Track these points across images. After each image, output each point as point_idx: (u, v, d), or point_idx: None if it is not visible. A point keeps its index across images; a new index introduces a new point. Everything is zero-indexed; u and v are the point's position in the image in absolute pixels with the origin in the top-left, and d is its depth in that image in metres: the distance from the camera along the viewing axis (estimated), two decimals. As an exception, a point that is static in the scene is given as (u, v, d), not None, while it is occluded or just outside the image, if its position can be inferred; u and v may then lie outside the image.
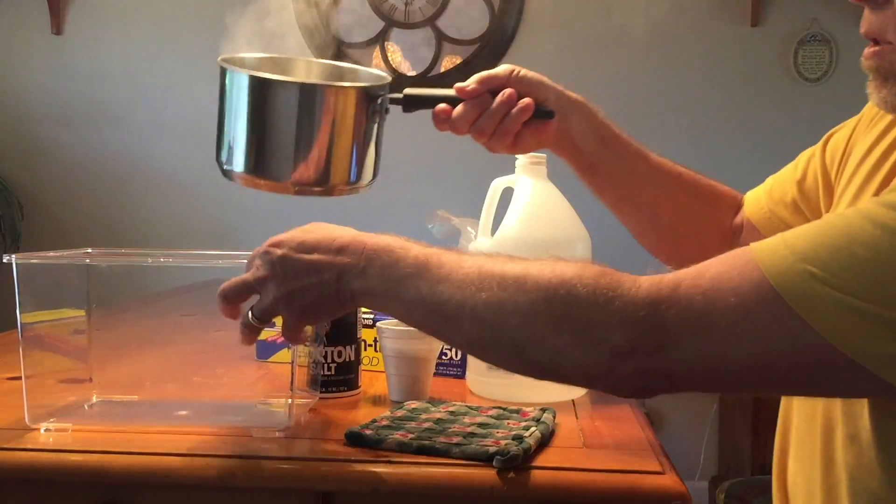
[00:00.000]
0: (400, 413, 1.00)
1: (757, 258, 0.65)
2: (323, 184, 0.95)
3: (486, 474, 0.82)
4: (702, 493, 2.86)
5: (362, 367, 1.17)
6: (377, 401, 1.12)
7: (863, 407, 0.74)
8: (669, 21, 3.05)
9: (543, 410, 0.99)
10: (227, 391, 1.09)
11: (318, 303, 0.82)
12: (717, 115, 3.06)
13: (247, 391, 1.11)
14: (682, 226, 1.09)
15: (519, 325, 0.72)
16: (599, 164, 1.04)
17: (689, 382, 0.70)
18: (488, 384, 1.14)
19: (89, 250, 1.07)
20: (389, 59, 3.15)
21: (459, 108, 0.97)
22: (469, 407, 1.04)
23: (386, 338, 1.11)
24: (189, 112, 3.09)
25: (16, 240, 3.09)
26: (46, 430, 0.93)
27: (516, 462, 0.82)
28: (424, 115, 1.00)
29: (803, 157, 1.01)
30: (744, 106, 3.05)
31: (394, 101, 0.99)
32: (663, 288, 0.67)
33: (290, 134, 0.95)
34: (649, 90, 3.06)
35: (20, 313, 0.95)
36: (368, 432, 0.90)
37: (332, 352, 1.11)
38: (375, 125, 0.98)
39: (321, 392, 1.10)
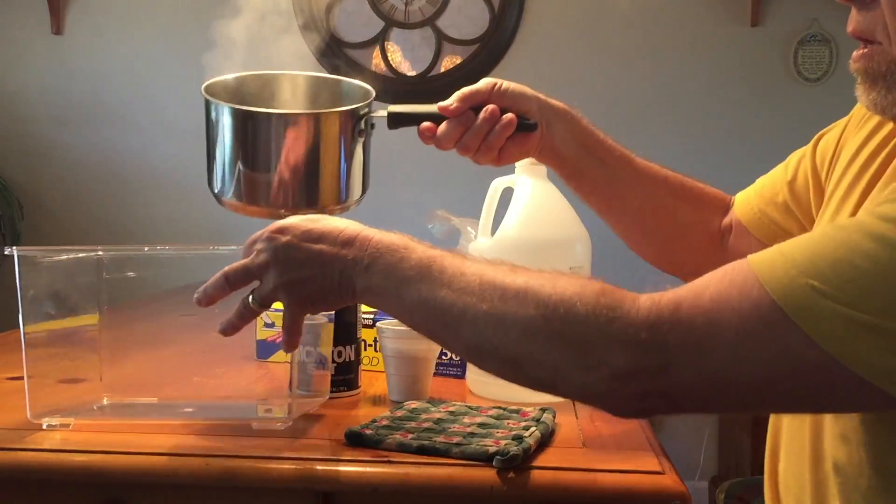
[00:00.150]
0: (400, 413, 1.00)
1: (757, 273, 0.64)
2: (313, 206, 0.97)
3: (486, 474, 0.82)
4: (702, 493, 2.87)
5: (362, 367, 1.17)
6: (377, 401, 1.12)
7: None
8: (670, 21, 3.05)
9: (543, 410, 0.99)
10: (227, 391, 1.09)
11: (319, 294, 0.82)
12: (717, 114, 3.06)
13: (247, 391, 1.11)
14: (670, 229, 1.09)
15: (517, 339, 0.72)
16: (583, 171, 1.05)
17: (690, 404, 0.69)
18: (488, 384, 1.14)
19: (100, 252, 1.06)
20: (389, 59, 3.15)
21: (444, 126, 0.98)
22: (469, 407, 1.04)
23: (386, 338, 1.11)
24: (189, 112, 3.06)
25: (16, 240, 3.10)
26: (49, 426, 0.93)
27: (516, 462, 0.82)
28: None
29: (794, 157, 1.01)
30: (744, 106, 3.05)
31: (378, 118, 1.00)
32: (664, 309, 0.66)
33: (277, 163, 0.96)
34: (649, 90, 3.06)
35: (22, 311, 0.95)
36: (368, 432, 0.90)
37: (332, 352, 1.11)
38: (361, 142, 0.99)
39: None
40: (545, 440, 0.91)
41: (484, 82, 0.99)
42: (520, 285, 0.72)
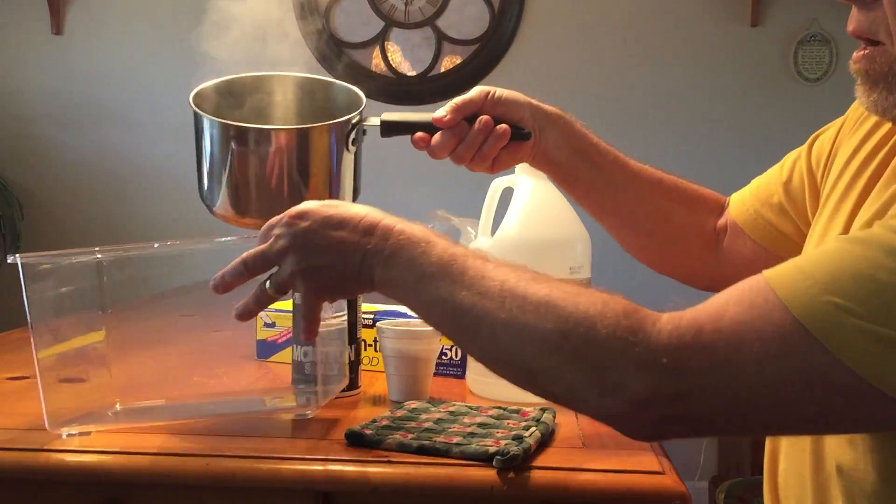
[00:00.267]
0: (400, 413, 1.00)
1: (777, 291, 0.63)
2: None
3: (486, 474, 0.82)
4: (702, 493, 2.86)
5: (362, 367, 1.17)
6: (377, 401, 1.12)
7: None
8: (669, 21, 3.05)
9: (543, 410, 0.99)
10: (227, 391, 1.09)
11: (338, 282, 0.81)
12: (717, 114, 3.06)
13: (247, 391, 1.11)
14: (664, 231, 1.09)
15: (534, 354, 0.70)
16: (577, 176, 1.05)
17: (709, 428, 0.68)
18: (488, 384, 1.14)
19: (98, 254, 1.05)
20: (389, 58, 3.15)
21: (437, 136, 0.98)
22: (469, 407, 1.04)
23: (386, 338, 1.11)
24: (189, 112, 3.09)
25: (16, 240, 3.09)
26: (69, 435, 0.91)
27: (516, 462, 0.82)
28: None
29: (789, 158, 1.01)
30: (744, 106, 3.05)
31: (371, 126, 0.99)
32: (685, 333, 0.65)
33: (267, 176, 0.95)
34: (649, 90, 3.06)
35: (29, 312, 0.93)
36: (368, 432, 0.90)
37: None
38: (353, 151, 0.99)
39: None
40: (545, 440, 0.91)
41: (477, 91, 0.99)
42: (541, 298, 0.71)
